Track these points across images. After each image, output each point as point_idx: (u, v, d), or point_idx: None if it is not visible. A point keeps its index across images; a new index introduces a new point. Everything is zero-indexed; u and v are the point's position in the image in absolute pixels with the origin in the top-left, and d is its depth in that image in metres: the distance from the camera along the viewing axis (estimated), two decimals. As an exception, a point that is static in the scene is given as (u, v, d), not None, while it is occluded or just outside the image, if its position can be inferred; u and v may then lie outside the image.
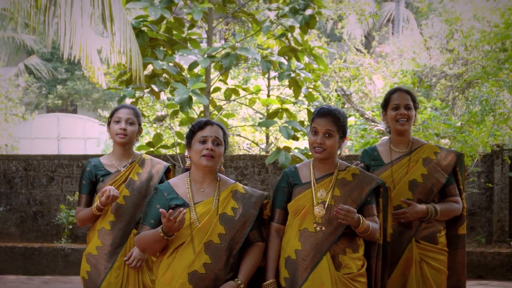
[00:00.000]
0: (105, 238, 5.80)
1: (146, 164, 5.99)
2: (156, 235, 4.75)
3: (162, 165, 6.04)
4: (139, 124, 6.00)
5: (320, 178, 5.15)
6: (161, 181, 5.88)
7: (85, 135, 26.94)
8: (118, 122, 5.90)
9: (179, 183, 5.01)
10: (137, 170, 5.93)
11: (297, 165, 5.34)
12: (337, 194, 5.08)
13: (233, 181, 5.12)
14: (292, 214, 5.11)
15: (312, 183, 5.14)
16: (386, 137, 6.16)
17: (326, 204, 5.05)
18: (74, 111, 35.00)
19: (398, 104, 5.83)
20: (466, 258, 6.05)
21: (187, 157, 5.07)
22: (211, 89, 11.76)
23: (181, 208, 4.67)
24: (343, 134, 5.13)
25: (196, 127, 4.97)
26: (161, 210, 4.66)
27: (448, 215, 5.80)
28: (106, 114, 20.82)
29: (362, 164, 5.73)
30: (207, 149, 4.89)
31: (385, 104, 5.93)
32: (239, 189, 5.06)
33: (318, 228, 5.01)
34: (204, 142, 4.91)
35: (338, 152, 5.20)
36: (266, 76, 14.66)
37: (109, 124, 5.98)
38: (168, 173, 6.04)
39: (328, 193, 5.08)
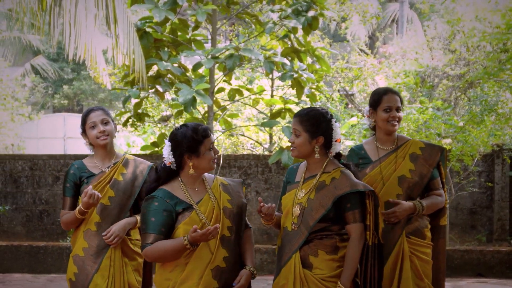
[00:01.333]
0: (91, 239, 5.81)
1: (130, 164, 6.02)
2: (179, 246, 4.80)
3: (146, 165, 6.06)
4: (113, 121, 6.00)
5: (308, 179, 5.30)
6: (145, 182, 5.92)
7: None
8: (94, 127, 5.88)
9: (175, 188, 5.03)
10: (121, 170, 5.95)
11: (301, 163, 5.49)
12: (312, 197, 5.19)
13: (213, 175, 5.23)
14: (282, 211, 5.34)
15: (300, 183, 5.30)
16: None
17: (301, 205, 5.20)
18: (80, 111, 35.05)
19: (390, 106, 5.99)
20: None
21: (191, 165, 5.00)
22: (215, 89, 11.86)
23: (217, 225, 4.75)
24: (312, 134, 5.23)
25: (204, 135, 5.00)
26: (194, 227, 4.70)
27: (433, 208, 5.99)
28: (112, 114, 20.88)
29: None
30: (215, 153, 5.06)
31: (375, 104, 6.07)
32: (223, 181, 5.20)
33: (293, 227, 5.18)
34: (211, 149, 5.03)
35: (316, 152, 5.28)
36: (270, 76, 14.76)
37: (84, 132, 5.96)
38: (151, 173, 6.00)
39: (306, 195, 5.22)
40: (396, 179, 5.91)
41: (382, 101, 6.04)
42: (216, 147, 5.11)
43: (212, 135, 5.06)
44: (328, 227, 5.14)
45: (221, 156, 13.09)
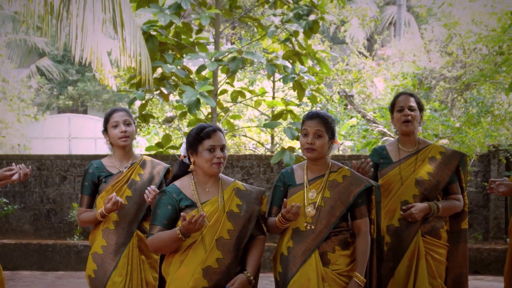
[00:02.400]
0: (110, 237, 5.89)
1: (147, 165, 6.09)
2: (173, 236, 4.85)
3: (162, 166, 6.12)
4: (134, 123, 6.07)
5: (313, 180, 5.33)
6: (161, 182, 6.00)
7: (95, 135, 26.93)
8: (116, 126, 5.95)
9: (185, 185, 5.10)
10: (139, 171, 6.02)
11: (294, 166, 5.52)
12: (327, 195, 5.24)
13: (232, 179, 5.25)
14: None
15: (305, 185, 5.32)
16: (391, 138, 6.39)
17: (316, 205, 5.23)
18: (85, 112, 35.07)
19: (402, 106, 6.09)
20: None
21: (193, 162, 5.10)
22: (218, 91, 11.91)
23: (202, 213, 4.76)
24: (332, 136, 5.30)
25: (204, 135, 5.04)
26: (182, 214, 4.76)
27: (449, 211, 6.06)
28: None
29: (371, 162, 5.81)
30: (218, 157, 5.03)
31: (392, 108, 6.21)
32: (240, 186, 5.19)
33: (308, 227, 5.19)
34: (213, 150, 5.03)
35: (329, 154, 5.39)
36: (271, 78, 14.81)
37: (105, 130, 6.04)
38: (167, 174, 6.13)
39: (318, 194, 5.25)
40: (413, 180, 5.99)
41: (396, 103, 6.17)
42: (221, 151, 5.10)
43: (219, 137, 5.06)
44: (339, 224, 5.23)
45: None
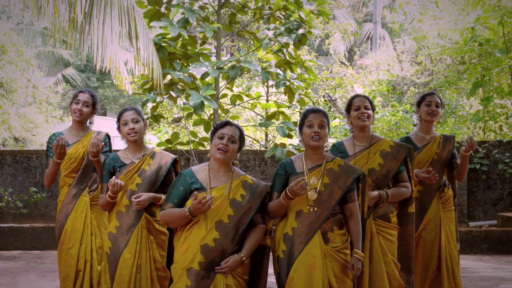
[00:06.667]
0: (122, 219, 5.92)
1: (156, 157, 6.09)
2: (182, 214, 4.89)
3: (170, 157, 6.13)
4: (143, 120, 6.08)
5: (312, 168, 5.30)
6: (168, 171, 6.03)
7: (113, 134, 26.95)
8: (126, 124, 6.00)
9: (200, 170, 5.12)
10: (148, 161, 6.03)
11: (292, 157, 5.47)
12: (326, 181, 5.23)
13: (244, 173, 5.22)
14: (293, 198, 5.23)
15: (305, 173, 5.28)
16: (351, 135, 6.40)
17: (317, 190, 5.20)
18: (104, 114, 35.10)
19: (359, 105, 6.12)
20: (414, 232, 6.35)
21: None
22: (220, 95, 11.86)
23: (212, 195, 4.81)
24: (329, 129, 5.31)
25: (218, 126, 5.10)
26: (195, 193, 4.80)
27: (398, 198, 6.08)
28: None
29: None
30: (222, 144, 5.02)
31: (348, 108, 6.22)
32: (248, 180, 5.16)
33: (311, 210, 5.15)
34: (221, 138, 5.03)
35: (327, 145, 5.41)
36: (265, 84, 14.76)
37: (118, 127, 6.09)
38: (175, 164, 6.16)
39: (319, 180, 5.22)
40: (366, 170, 6.00)
41: (352, 103, 6.20)
42: (229, 141, 5.06)
43: (230, 129, 5.09)
44: (335, 206, 5.21)
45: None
